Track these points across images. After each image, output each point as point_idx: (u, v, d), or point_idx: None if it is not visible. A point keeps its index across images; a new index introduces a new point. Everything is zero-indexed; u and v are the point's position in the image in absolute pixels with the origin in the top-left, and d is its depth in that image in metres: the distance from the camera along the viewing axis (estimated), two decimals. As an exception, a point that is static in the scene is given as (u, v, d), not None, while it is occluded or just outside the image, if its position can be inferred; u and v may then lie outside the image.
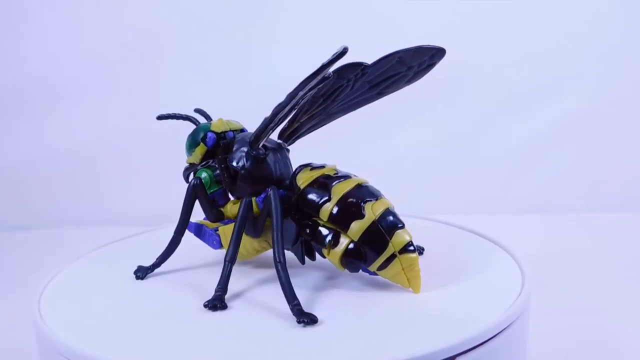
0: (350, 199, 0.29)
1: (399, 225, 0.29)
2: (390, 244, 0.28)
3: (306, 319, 0.27)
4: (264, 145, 0.31)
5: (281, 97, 0.30)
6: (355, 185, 0.30)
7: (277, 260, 0.28)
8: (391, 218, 0.29)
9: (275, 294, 0.29)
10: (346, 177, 0.30)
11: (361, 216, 0.28)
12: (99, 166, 0.72)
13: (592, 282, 0.50)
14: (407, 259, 0.28)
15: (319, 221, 0.29)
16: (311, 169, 0.31)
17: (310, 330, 0.26)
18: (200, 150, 0.33)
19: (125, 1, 0.70)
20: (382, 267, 0.29)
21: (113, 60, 0.71)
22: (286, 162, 0.32)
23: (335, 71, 0.30)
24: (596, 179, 0.71)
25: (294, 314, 0.27)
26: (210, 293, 0.29)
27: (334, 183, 0.30)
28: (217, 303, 0.29)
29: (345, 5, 0.70)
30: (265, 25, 0.70)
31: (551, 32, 0.70)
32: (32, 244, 0.65)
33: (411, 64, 0.32)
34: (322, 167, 0.31)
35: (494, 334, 0.26)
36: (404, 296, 0.29)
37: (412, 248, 0.29)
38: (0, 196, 0.72)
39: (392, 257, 0.28)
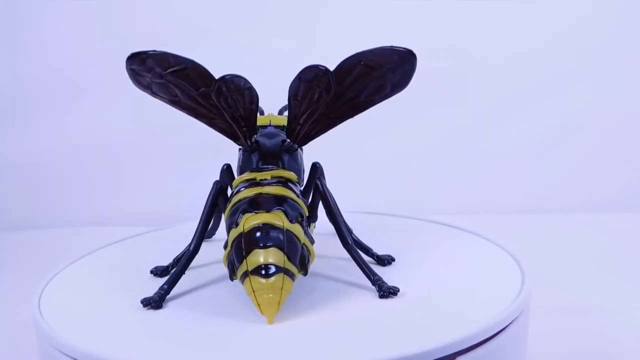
0: (237, 207, 0.28)
1: (266, 244, 0.26)
2: (245, 260, 0.26)
3: (146, 301, 0.28)
4: (256, 141, 0.31)
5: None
6: (255, 194, 0.28)
7: (186, 247, 0.30)
8: (258, 234, 0.27)
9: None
10: (257, 184, 0.29)
11: (235, 225, 0.27)
12: (99, 166, 0.72)
13: (592, 282, 0.50)
14: (256, 282, 0.26)
15: None
16: (250, 171, 0.30)
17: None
18: None
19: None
20: (242, 282, 0.27)
21: (114, 58, 0.70)
22: (279, 161, 0.31)
23: (299, 74, 0.29)
24: (596, 179, 0.71)
25: (155, 292, 0.29)
26: (212, 293, 0.29)
27: (242, 189, 0.29)
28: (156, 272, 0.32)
29: (348, 7, 0.70)
30: (265, 25, 0.70)
31: (550, 32, 0.70)
32: (32, 244, 0.65)
33: (382, 67, 0.28)
34: (269, 171, 0.30)
35: (494, 333, 0.26)
36: (403, 295, 0.29)
37: (270, 272, 0.26)
38: (1, 196, 0.72)
39: (245, 274, 0.26)
